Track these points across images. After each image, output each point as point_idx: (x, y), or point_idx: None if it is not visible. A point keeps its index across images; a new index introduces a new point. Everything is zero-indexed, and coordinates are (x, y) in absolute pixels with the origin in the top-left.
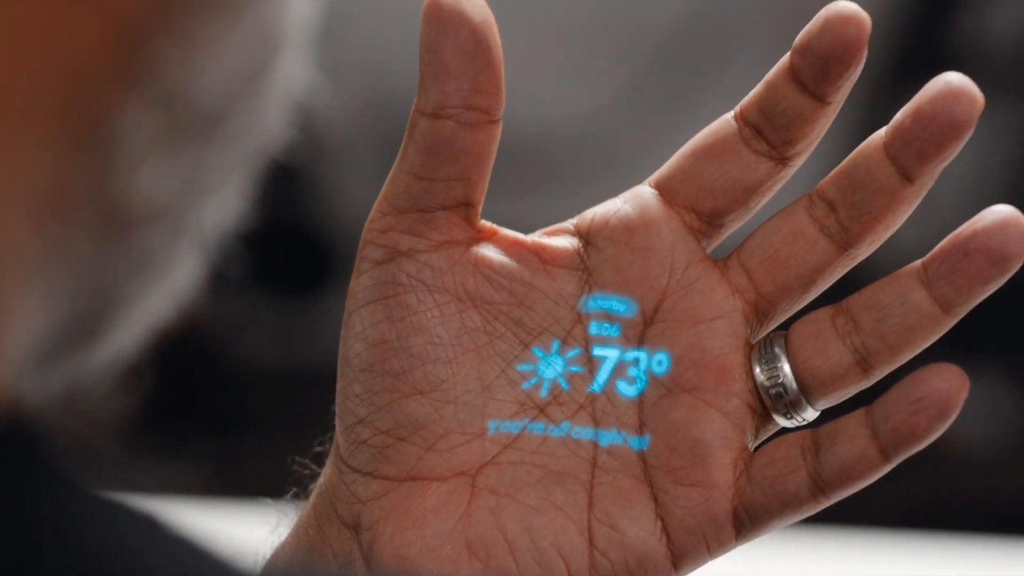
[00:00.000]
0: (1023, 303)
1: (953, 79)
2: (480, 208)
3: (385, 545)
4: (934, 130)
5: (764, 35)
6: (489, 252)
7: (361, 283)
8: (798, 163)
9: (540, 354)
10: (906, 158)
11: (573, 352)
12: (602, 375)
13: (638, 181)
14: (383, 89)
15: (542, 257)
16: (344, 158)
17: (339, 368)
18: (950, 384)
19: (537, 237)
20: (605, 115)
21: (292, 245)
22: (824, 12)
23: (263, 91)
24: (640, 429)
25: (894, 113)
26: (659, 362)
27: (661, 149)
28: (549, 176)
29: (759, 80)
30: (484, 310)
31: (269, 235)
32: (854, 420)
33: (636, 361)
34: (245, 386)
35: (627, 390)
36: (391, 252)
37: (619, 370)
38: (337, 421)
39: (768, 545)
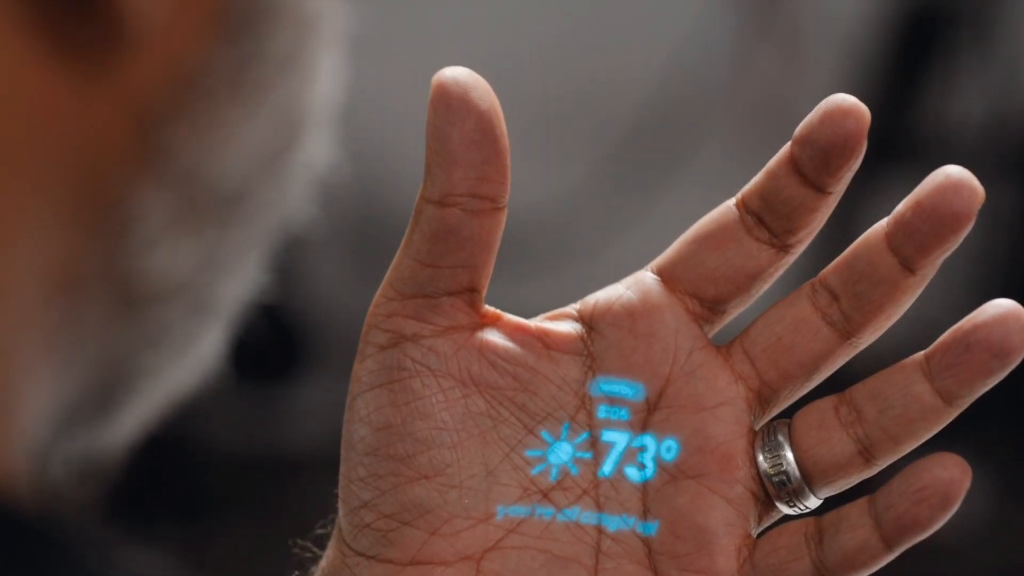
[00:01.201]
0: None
1: (953, 172)
2: (484, 293)
3: None
4: (935, 222)
5: (731, 121)
6: (493, 337)
7: (366, 367)
8: (799, 250)
9: (549, 439)
10: (907, 249)
11: (581, 437)
12: (611, 460)
13: (604, 265)
14: (357, 176)
15: (546, 342)
16: (316, 244)
17: (343, 452)
18: (952, 474)
19: (540, 322)
20: (571, 200)
21: (261, 330)
22: (824, 104)
23: (284, 170)
24: (644, 515)
25: (857, 196)
26: (668, 448)
27: (627, 234)
28: (516, 260)
29: (725, 166)
30: (489, 395)
31: (239, 320)
32: (857, 509)
33: (644, 447)
34: (212, 472)
35: (635, 475)
36: (396, 337)
37: (628, 455)
38: (340, 504)
39: None
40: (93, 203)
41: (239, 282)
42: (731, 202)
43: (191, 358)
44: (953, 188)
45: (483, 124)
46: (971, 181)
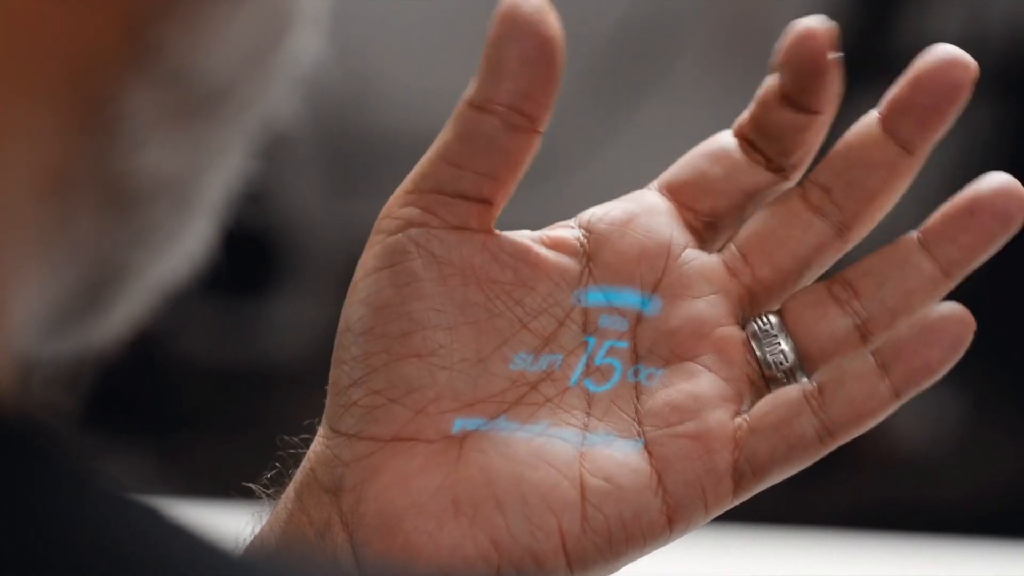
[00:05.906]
0: (964, 303)
1: (947, 48)
2: (498, 212)
3: (369, 505)
4: (935, 95)
5: (704, 39)
6: (498, 236)
7: (372, 253)
8: (795, 176)
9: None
10: (906, 128)
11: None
12: (578, 370)
13: (578, 184)
14: (330, 93)
15: (547, 244)
16: (290, 160)
17: (338, 337)
18: (961, 318)
19: (541, 232)
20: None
21: (234, 245)
22: (790, 31)
23: (271, 67)
24: (637, 414)
25: (836, 114)
26: (648, 375)
27: (601, 153)
28: None
29: (701, 82)
30: (487, 288)
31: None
32: (859, 359)
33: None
34: (185, 386)
35: (593, 387)
36: (404, 224)
37: (590, 366)
38: (329, 388)
39: (713, 543)
40: (84, 102)
41: (224, 178)
42: (728, 132)
43: (178, 254)
44: (950, 61)
45: (544, 47)
46: (964, 56)
